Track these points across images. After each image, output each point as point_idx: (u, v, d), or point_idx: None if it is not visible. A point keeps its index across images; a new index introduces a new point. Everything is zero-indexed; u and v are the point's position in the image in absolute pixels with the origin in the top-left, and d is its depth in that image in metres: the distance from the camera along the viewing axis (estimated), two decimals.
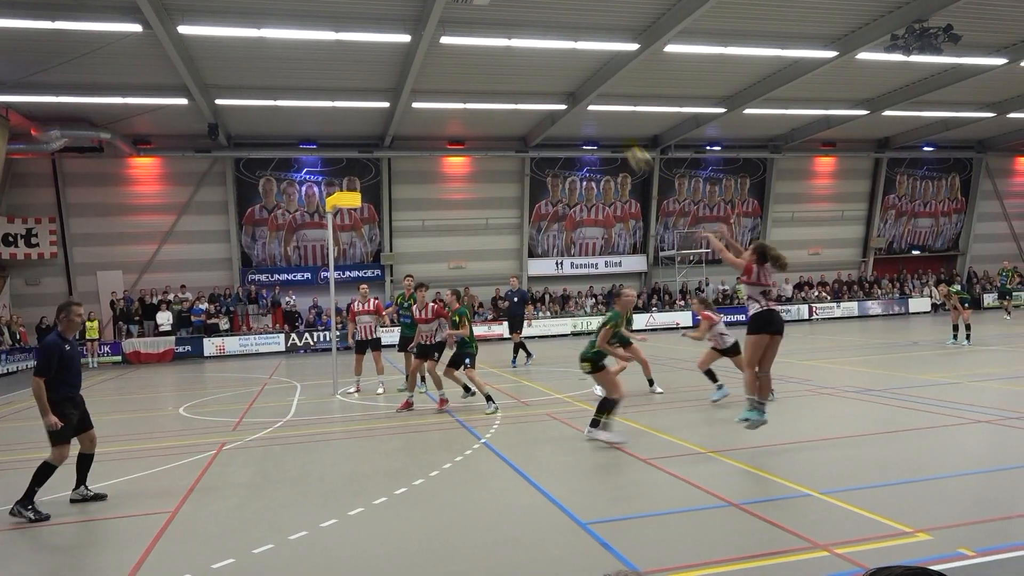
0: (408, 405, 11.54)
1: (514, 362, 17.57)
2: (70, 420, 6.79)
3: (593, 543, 5.28)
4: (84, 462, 7.05)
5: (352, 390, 13.82)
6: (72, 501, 6.89)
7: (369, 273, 28.41)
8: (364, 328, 13.69)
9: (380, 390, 13.56)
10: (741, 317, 29.64)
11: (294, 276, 28.28)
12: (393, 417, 11.19)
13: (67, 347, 6.88)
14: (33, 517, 6.41)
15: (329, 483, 7.43)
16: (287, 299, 27.36)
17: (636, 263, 31.99)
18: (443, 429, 10.01)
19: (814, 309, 31.41)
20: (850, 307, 31.72)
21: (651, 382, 12.06)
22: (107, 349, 24.69)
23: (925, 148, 33.83)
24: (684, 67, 21.38)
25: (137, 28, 15.95)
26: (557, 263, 30.90)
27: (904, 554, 4.85)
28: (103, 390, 17.48)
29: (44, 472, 6.60)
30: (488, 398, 10.96)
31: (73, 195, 26.21)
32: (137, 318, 25.66)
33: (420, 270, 28.24)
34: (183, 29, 16.45)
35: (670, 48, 19.00)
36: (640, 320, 28.19)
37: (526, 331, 18.82)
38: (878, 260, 34.94)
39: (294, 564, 5.22)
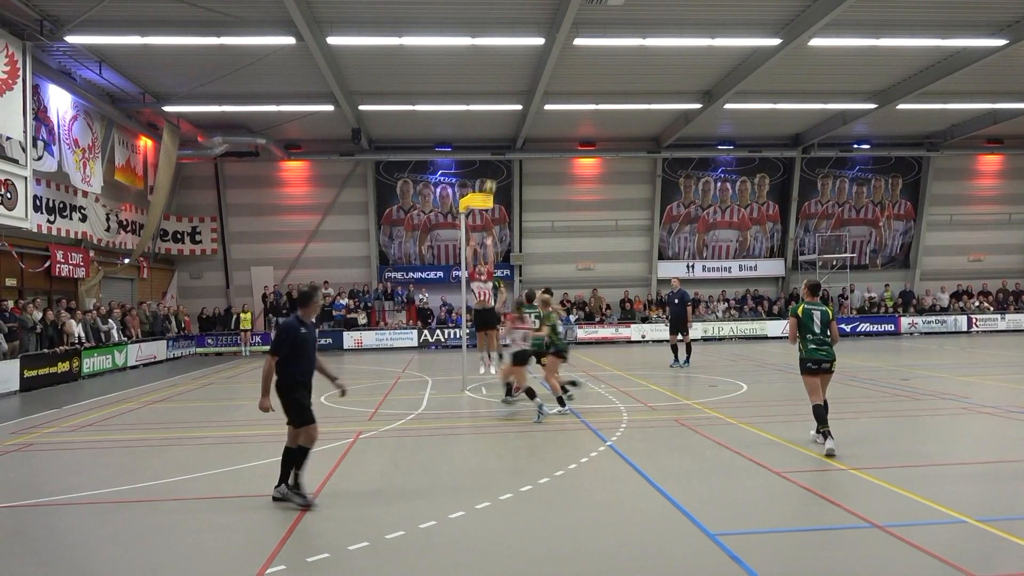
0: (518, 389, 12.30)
1: (688, 360, 17.76)
2: (305, 403, 6.72)
3: (722, 555, 5.12)
4: (295, 456, 6.73)
5: (481, 371, 15.08)
6: (274, 500, 6.69)
7: (498, 273, 28.81)
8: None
9: (493, 370, 14.63)
10: (889, 327, 28.24)
11: (427, 274, 29.32)
12: (518, 416, 11.34)
13: (303, 330, 6.70)
14: (300, 502, 6.53)
15: (457, 476, 7.64)
16: (420, 296, 28.41)
17: (773, 267, 30.64)
18: (568, 430, 10.03)
19: (974, 320, 28.86)
20: (1016, 319, 28.85)
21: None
22: (258, 339, 26.59)
23: None
24: (830, 61, 20.26)
25: (291, 40, 17.10)
26: (688, 266, 30.12)
27: None
28: (253, 376, 18.83)
29: (298, 456, 6.66)
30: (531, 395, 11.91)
31: (232, 196, 28.52)
32: (285, 311, 27.42)
33: (549, 271, 28.66)
34: (332, 40, 17.45)
35: (815, 42, 18.06)
36: (779, 326, 27.40)
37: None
38: None
39: (423, 552, 5.41)
